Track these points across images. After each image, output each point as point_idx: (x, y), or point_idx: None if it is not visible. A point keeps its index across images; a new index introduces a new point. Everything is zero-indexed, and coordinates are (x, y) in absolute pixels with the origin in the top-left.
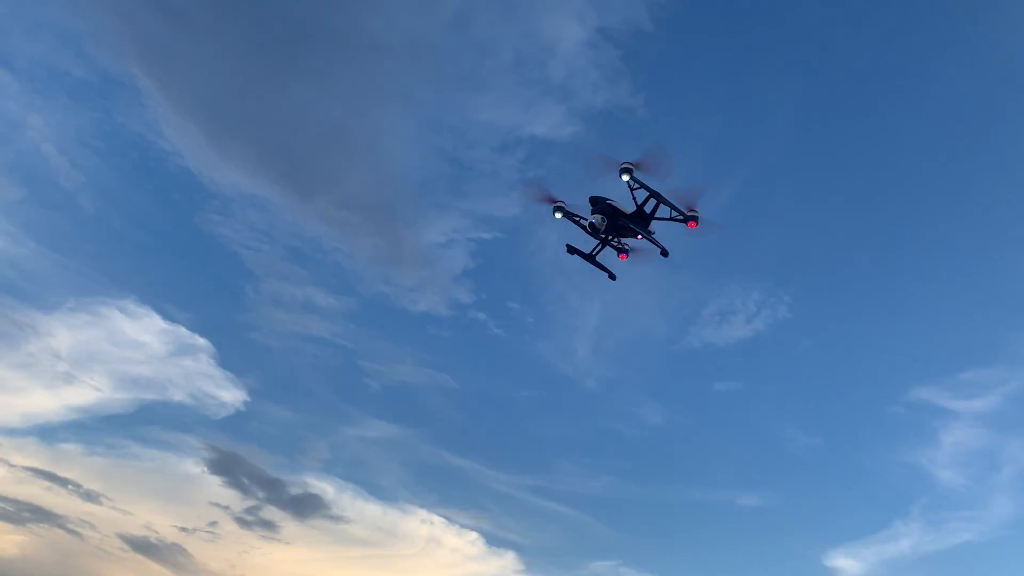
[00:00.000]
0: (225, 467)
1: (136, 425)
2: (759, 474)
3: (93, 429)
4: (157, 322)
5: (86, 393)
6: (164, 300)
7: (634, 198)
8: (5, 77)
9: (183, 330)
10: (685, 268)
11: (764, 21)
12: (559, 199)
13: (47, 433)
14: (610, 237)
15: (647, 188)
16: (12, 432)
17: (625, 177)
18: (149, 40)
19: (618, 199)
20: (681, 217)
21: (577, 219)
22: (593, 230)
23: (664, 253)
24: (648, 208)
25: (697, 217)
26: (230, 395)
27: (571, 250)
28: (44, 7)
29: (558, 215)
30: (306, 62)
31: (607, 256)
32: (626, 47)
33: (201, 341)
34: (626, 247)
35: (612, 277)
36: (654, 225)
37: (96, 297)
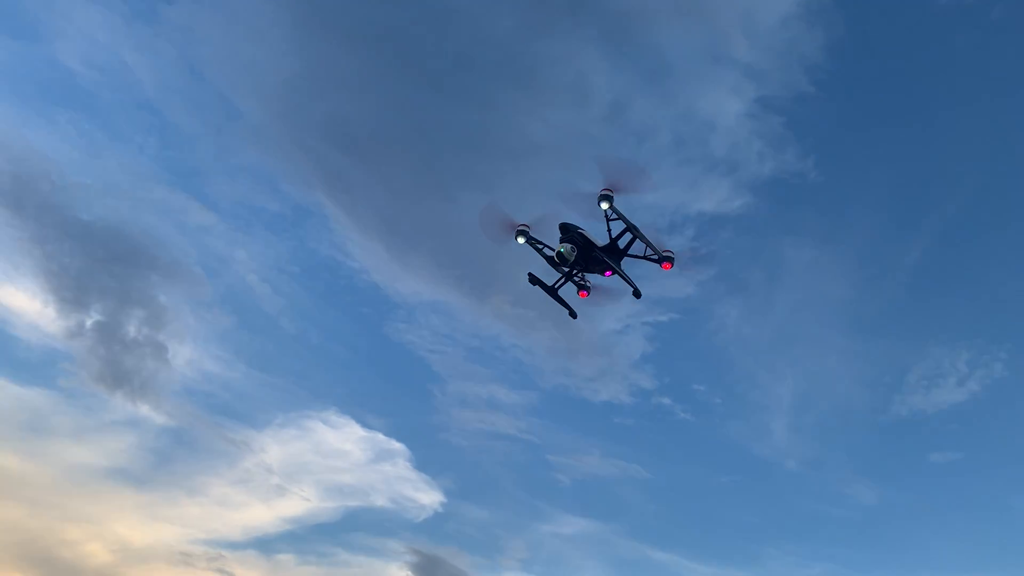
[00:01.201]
0: (427, 570)
1: (343, 532)
2: (992, 552)
3: (304, 539)
4: (357, 430)
5: (297, 504)
6: (362, 409)
7: (609, 230)
8: (212, 218)
9: (380, 436)
10: (879, 332)
11: (933, 70)
12: (521, 223)
13: (265, 545)
14: (575, 271)
15: (626, 221)
16: (234, 545)
17: (604, 205)
18: (332, 171)
19: (590, 230)
20: (656, 257)
21: (541, 247)
22: (561, 260)
23: (637, 294)
24: (623, 243)
25: (672, 259)
26: (428, 497)
27: (533, 280)
28: (241, 153)
29: (520, 240)
30: (472, 173)
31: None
32: (788, 113)
33: (397, 446)
34: (588, 284)
35: (573, 315)
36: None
37: (301, 411)
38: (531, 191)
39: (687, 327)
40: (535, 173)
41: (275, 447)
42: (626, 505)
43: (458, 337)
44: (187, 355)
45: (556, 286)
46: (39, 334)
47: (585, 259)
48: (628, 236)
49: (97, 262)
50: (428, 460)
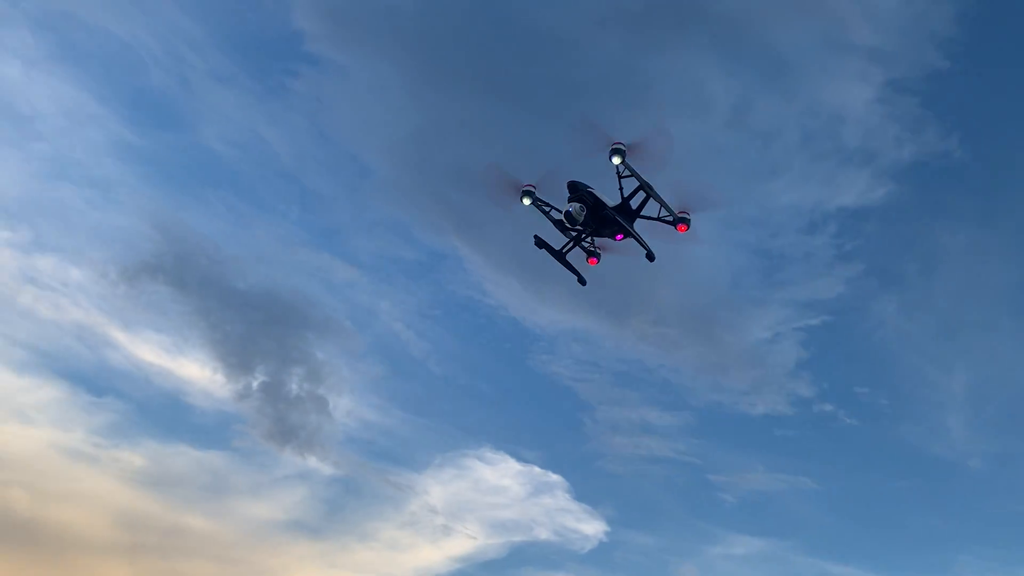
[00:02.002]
0: None
1: (511, 568)
2: None
3: None
4: (513, 465)
5: (463, 543)
6: (515, 443)
7: (621, 188)
8: (355, 273)
9: (536, 469)
10: None
11: None
12: (527, 183)
13: None
14: (583, 234)
15: (639, 178)
16: None
17: (616, 160)
18: (461, 214)
19: (601, 189)
20: (671, 219)
21: (548, 209)
22: (569, 221)
23: (651, 257)
24: (635, 203)
25: (688, 220)
26: (591, 527)
27: (539, 243)
28: (375, 207)
29: (526, 201)
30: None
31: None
32: (923, 92)
33: (554, 477)
34: (597, 250)
35: (582, 282)
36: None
37: (457, 451)
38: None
39: (842, 328)
40: (660, 190)
41: (437, 488)
42: (798, 520)
43: (602, 363)
44: (346, 406)
45: (564, 251)
46: (212, 400)
47: (595, 220)
48: (641, 196)
49: (256, 326)
50: (587, 490)
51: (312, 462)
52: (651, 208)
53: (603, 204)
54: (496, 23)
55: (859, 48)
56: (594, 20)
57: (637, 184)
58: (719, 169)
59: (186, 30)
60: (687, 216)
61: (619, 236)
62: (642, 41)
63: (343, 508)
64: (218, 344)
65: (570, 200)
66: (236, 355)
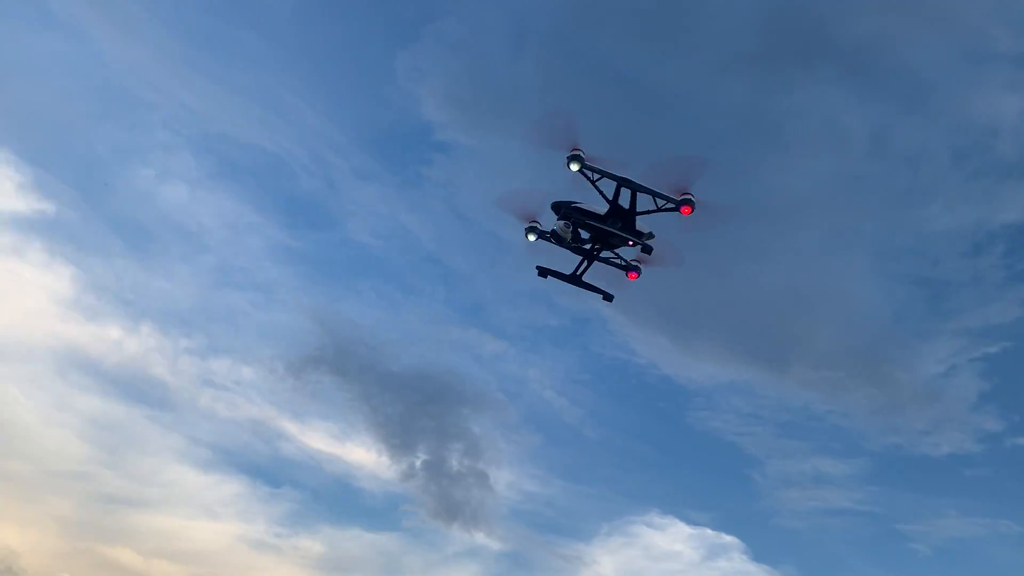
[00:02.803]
0: None
1: None
2: None
3: None
4: (683, 528)
5: None
6: (682, 505)
7: (601, 193)
8: (503, 345)
9: (708, 531)
10: None
11: None
12: (534, 218)
13: None
14: (595, 251)
15: (612, 176)
16: None
17: (574, 167)
18: (599, 276)
19: (590, 200)
20: (672, 205)
21: (595, 179)
22: (559, 241)
23: (638, 271)
24: (627, 202)
25: (692, 200)
26: None
27: (543, 272)
28: (515, 279)
29: (531, 237)
30: (740, 244)
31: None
32: None
33: (729, 539)
34: (634, 263)
35: (608, 298)
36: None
37: (623, 517)
38: (809, 245)
39: None
40: (807, 230)
41: (606, 557)
42: (1005, 568)
43: (765, 414)
44: (507, 478)
45: (578, 272)
46: (379, 482)
47: (597, 234)
48: (629, 193)
49: (414, 406)
50: (764, 549)
51: (479, 538)
52: (646, 202)
53: (589, 214)
54: (614, 83)
55: (1004, 56)
56: (713, 69)
57: (616, 184)
58: (865, 201)
59: (328, 136)
60: (690, 196)
61: (630, 242)
62: (768, 82)
63: None
64: (380, 427)
65: (558, 220)
66: (398, 436)
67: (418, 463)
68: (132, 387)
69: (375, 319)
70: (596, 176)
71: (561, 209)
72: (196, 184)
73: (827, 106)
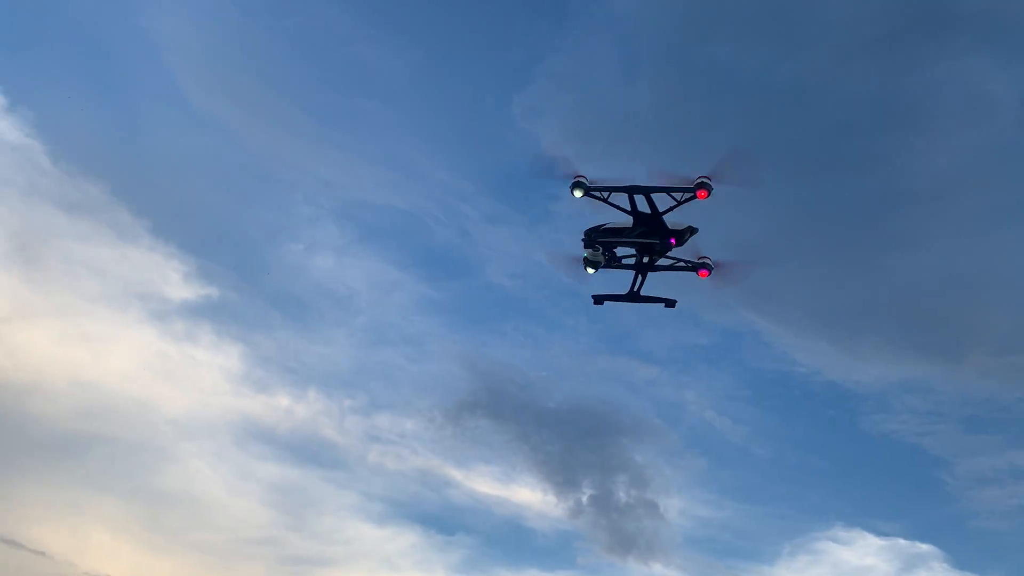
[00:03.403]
0: None
1: None
2: None
3: None
4: (872, 541)
5: None
6: (868, 516)
7: (617, 207)
8: (654, 371)
9: (902, 542)
10: None
11: None
12: (586, 250)
13: None
14: (646, 263)
15: (619, 188)
16: None
17: (578, 193)
18: (748, 286)
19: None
20: (689, 194)
21: (605, 197)
22: (594, 267)
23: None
24: (645, 207)
25: (708, 184)
26: None
27: (599, 300)
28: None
29: (577, 194)
30: (887, 235)
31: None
32: None
33: (925, 547)
34: (702, 261)
35: (670, 304)
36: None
37: (806, 535)
38: (965, 229)
39: None
40: (962, 210)
41: None
42: None
43: (945, 410)
44: (677, 506)
45: (635, 289)
46: (549, 520)
47: (637, 247)
48: (639, 199)
49: (573, 441)
50: (967, 555)
51: (657, 569)
52: (662, 203)
53: (622, 231)
54: (734, 90)
55: None
56: (838, 58)
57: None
58: (1019, 170)
59: (456, 187)
60: (706, 180)
61: (672, 240)
62: (897, 63)
63: None
64: (542, 465)
65: (586, 250)
66: (561, 473)
67: (585, 498)
68: (305, 450)
69: (523, 358)
70: (605, 194)
71: (590, 235)
72: (341, 251)
73: (966, 77)
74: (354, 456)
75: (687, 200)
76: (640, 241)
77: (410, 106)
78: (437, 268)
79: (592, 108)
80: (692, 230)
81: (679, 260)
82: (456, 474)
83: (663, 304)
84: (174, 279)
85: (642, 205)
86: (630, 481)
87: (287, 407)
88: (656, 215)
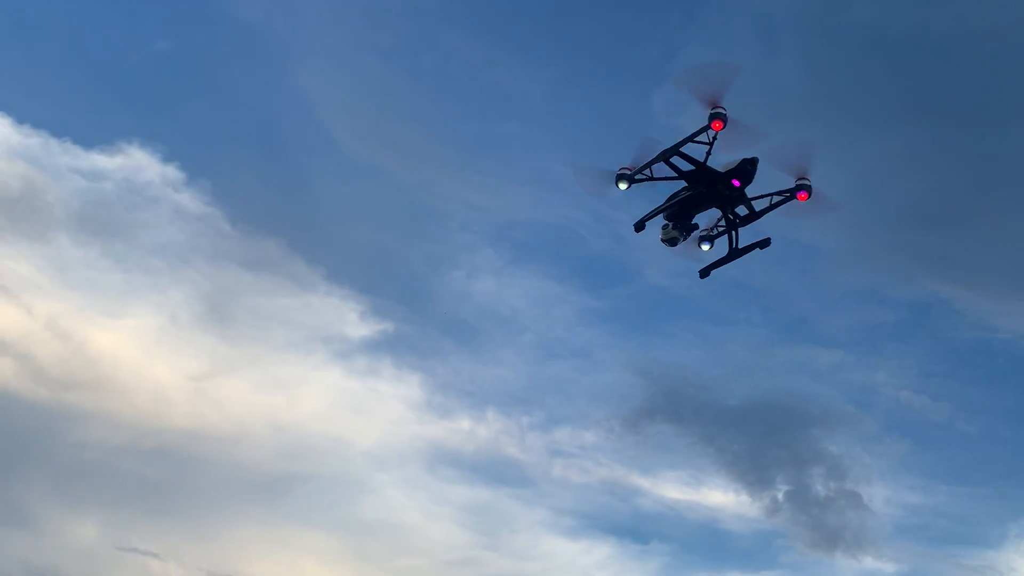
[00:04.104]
0: None
1: None
2: None
3: None
4: None
5: None
6: None
7: (659, 179)
8: (838, 355)
9: None
10: None
11: None
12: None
13: None
14: (730, 217)
15: (653, 162)
16: None
17: (623, 186)
18: (928, 253)
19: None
20: (705, 130)
21: (649, 175)
22: (673, 242)
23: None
24: (686, 167)
25: (722, 115)
26: None
27: (705, 273)
28: (835, 283)
29: (623, 186)
30: None
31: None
32: None
33: None
34: (800, 183)
35: (763, 244)
36: None
37: None
38: None
39: None
40: None
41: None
42: None
43: None
44: (883, 494)
45: (735, 247)
46: (746, 521)
47: (709, 198)
48: (679, 162)
49: (760, 438)
50: None
51: (868, 562)
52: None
53: (680, 202)
54: (884, 49)
55: None
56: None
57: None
58: None
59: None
60: (720, 110)
61: (735, 181)
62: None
63: None
64: (731, 465)
65: (663, 229)
66: (752, 472)
67: (780, 495)
68: (492, 470)
69: (697, 359)
70: (647, 172)
71: (667, 216)
72: (500, 273)
73: None
74: (539, 472)
75: (702, 134)
76: (702, 190)
77: (549, 122)
78: (596, 277)
79: (735, 91)
80: (749, 161)
81: (770, 195)
82: (643, 482)
83: (759, 248)
84: (352, 319)
85: (686, 166)
86: (827, 473)
87: (469, 429)
88: (701, 166)
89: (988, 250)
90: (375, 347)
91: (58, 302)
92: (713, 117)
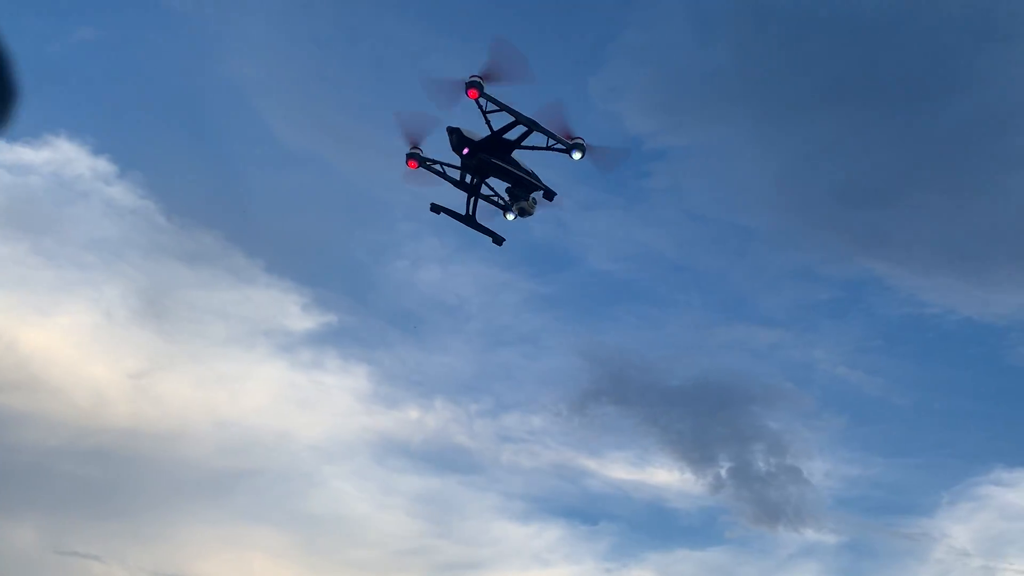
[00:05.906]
0: None
1: None
2: None
3: None
4: None
5: None
6: None
7: (488, 123)
8: (777, 333)
9: None
10: None
11: None
12: (412, 145)
13: None
14: (477, 184)
15: (509, 110)
16: None
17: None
18: (859, 232)
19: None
20: (563, 147)
21: (442, 168)
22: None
23: (549, 195)
24: (514, 135)
25: (583, 146)
26: None
27: (436, 209)
28: (771, 264)
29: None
30: (1005, 152)
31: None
32: None
33: None
34: (573, 141)
35: (498, 241)
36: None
37: (964, 482)
38: None
39: None
40: None
41: (957, 527)
42: None
43: None
44: (822, 468)
45: (469, 212)
46: (690, 499)
47: (475, 167)
48: (520, 129)
49: (703, 417)
50: None
51: (810, 534)
52: (537, 141)
53: (469, 142)
54: (819, 32)
55: None
56: None
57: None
58: None
59: (547, 180)
60: (581, 142)
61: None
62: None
63: (864, 573)
64: (675, 444)
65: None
66: (695, 450)
67: (723, 472)
68: (441, 458)
69: (640, 341)
70: (492, 108)
71: (452, 135)
72: (445, 261)
73: None
74: (488, 458)
75: (555, 151)
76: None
77: None
78: (541, 264)
79: (670, 78)
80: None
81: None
82: (591, 464)
83: (491, 240)
84: (294, 311)
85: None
86: (768, 449)
87: (417, 419)
88: (514, 144)
89: (917, 228)
90: (319, 339)
91: None
92: (468, 86)
